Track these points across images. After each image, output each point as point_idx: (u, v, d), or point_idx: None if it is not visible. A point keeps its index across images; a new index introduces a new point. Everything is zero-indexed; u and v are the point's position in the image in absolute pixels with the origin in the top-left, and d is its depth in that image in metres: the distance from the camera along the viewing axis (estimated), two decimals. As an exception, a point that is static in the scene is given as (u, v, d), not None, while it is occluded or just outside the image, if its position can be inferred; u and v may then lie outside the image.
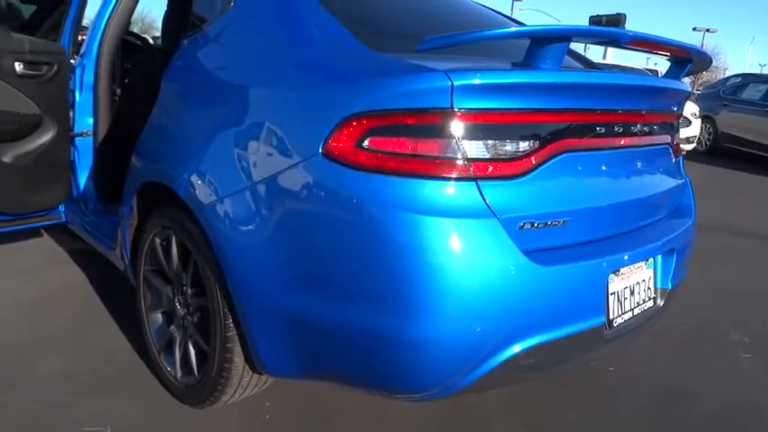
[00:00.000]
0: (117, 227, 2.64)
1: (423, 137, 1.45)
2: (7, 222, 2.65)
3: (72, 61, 2.84)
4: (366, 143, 1.48)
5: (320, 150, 1.52)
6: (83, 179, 2.90)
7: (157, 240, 2.10)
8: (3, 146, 2.48)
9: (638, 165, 1.84)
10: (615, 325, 1.74)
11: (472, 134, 1.46)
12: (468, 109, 1.44)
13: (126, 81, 3.25)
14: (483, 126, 1.47)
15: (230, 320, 1.79)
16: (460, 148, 1.45)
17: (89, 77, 2.84)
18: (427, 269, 1.42)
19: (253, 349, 1.74)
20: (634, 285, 1.82)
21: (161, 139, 2.03)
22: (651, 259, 1.89)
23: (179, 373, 2.06)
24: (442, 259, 1.42)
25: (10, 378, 2.15)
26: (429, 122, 1.45)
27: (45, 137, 2.60)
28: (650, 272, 1.91)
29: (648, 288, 1.90)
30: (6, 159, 2.49)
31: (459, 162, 1.45)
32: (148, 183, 2.06)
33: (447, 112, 1.43)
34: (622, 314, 1.77)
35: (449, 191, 1.44)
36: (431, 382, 1.54)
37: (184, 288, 2.01)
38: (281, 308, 1.63)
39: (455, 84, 1.41)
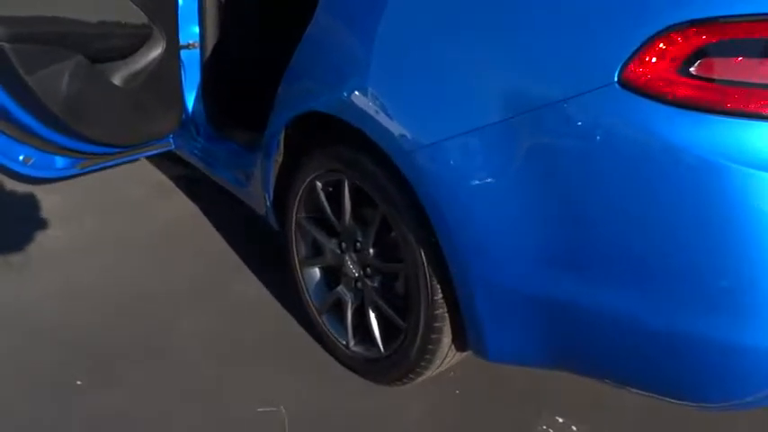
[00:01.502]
0: (239, 156, 2.26)
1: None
2: (118, 155, 2.29)
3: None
4: (693, 68, 1.01)
5: (615, 78, 1.05)
6: (190, 99, 2.49)
7: (319, 185, 1.71)
8: (111, 66, 2.07)
9: None
10: None
11: None
12: None
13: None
14: None
15: (440, 295, 1.42)
16: None
17: (192, -24, 2.36)
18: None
19: (473, 330, 1.37)
20: None
21: (336, 62, 1.56)
22: None
23: (351, 342, 1.73)
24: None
25: (150, 339, 1.86)
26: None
27: (154, 52, 2.16)
28: None
29: None
30: (116, 81, 2.09)
31: None
32: (308, 114, 1.64)
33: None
34: None
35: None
36: (745, 393, 1.16)
37: (359, 245, 1.64)
38: (528, 287, 1.24)
39: None
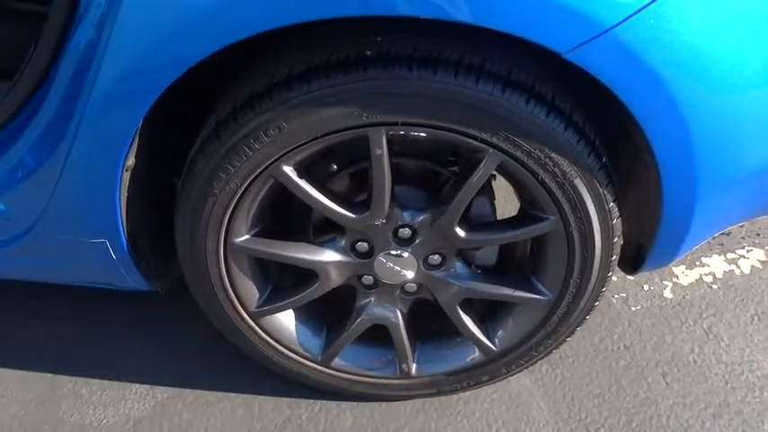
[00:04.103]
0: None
1: None
2: None
3: None
4: None
5: None
6: None
7: (287, 170, 0.87)
8: None
9: None
10: None
11: None
12: None
13: None
14: None
15: (619, 235, 0.94)
16: None
17: None
18: None
19: (666, 248, 0.96)
20: None
21: None
22: None
23: (413, 367, 1.10)
24: None
25: None
26: None
27: None
28: None
29: None
30: None
31: None
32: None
33: None
34: None
35: None
36: None
37: (407, 232, 0.94)
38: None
39: None
